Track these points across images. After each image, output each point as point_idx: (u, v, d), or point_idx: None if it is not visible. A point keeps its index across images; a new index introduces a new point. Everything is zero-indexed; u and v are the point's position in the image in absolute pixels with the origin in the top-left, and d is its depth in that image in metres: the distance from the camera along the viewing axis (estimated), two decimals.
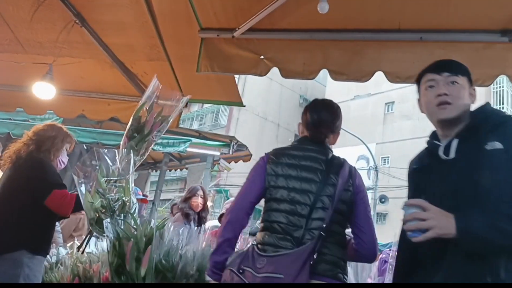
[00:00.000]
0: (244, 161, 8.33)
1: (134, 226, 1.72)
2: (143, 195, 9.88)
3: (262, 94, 27.77)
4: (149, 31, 3.34)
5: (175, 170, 9.73)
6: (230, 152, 7.24)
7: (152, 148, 6.00)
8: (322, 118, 1.99)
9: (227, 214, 1.89)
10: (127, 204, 1.90)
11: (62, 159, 2.69)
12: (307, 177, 1.78)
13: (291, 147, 1.94)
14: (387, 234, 8.60)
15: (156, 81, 2.74)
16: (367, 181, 18.65)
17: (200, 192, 4.54)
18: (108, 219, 1.73)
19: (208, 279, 1.66)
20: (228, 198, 24.30)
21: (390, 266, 2.50)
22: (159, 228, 1.72)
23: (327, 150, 1.91)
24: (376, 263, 2.81)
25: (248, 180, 1.94)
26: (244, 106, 3.91)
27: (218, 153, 7.33)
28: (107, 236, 1.71)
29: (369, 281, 2.75)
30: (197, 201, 4.46)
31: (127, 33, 3.46)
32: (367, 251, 1.89)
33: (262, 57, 3.06)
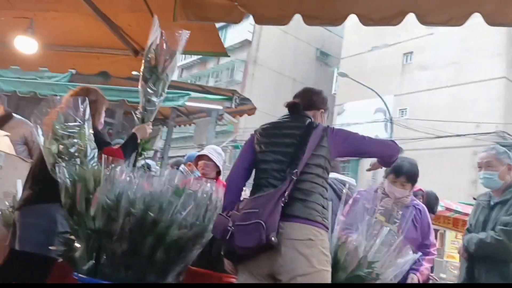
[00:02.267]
0: (248, 115, 8.34)
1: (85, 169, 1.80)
2: (154, 150, 10.04)
3: (277, 48, 27.32)
4: None
5: (184, 126, 9.83)
6: (233, 106, 7.25)
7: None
8: (298, 93, 2.44)
9: (226, 182, 2.25)
10: (83, 149, 1.98)
11: (101, 120, 2.84)
12: (287, 141, 2.11)
13: (274, 121, 2.32)
14: None
15: (157, 20, 2.83)
16: (383, 134, 18.49)
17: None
18: (62, 163, 1.81)
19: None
20: None
21: None
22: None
23: (304, 118, 2.21)
24: (350, 201, 2.85)
25: (241, 152, 2.31)
26: (229, 56, 3.91)
27: (220, 107, 7.34)
28: (60, 178, 1.80)
29: (341, 218, 2.80)
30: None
31: None
32: (383, 158, 2.27)
33: (236, 3, 3.03)
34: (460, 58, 19.19)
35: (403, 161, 3.00)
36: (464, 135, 15.96)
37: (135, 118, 2.87)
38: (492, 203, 2.90)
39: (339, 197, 3.18)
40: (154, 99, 2.81)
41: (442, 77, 19.57)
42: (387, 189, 3.01)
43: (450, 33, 19.37)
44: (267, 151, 2.14)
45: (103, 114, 2.88)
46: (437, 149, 16.73)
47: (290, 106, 2.31)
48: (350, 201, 2.79)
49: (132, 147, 2.72)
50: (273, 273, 1.90)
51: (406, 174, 2.92)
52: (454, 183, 15.65)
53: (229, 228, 1.89)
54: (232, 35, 27.25)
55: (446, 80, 19.35)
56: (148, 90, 2.77)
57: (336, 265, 2.11)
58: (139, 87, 2.81)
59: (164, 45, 2.82)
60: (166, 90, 2.91)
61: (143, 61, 2.85)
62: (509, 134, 17.78)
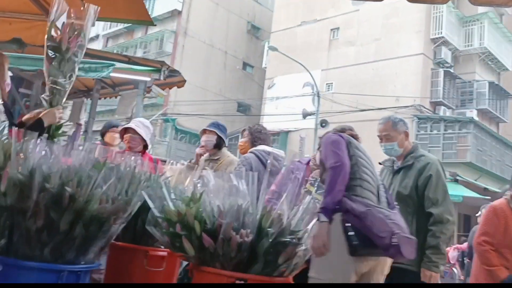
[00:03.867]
0: (178, 87, 8.14)
1: None
2: (77, 123, 9.62)
3: (208, 20, 26.82)
4: None
5: (110, 98, 9.41)
6: (162, 78, 7.03)
7: None
8: None
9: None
10: None
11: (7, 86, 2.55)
12: None
13: None
14: None
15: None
16: (311, 107, 19.01)
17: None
18: None
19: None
20: (175, 128, 24.19)
21: None
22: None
23: None
24: (282, 171, 2.93)
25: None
26: (155, 25, 3.77)
27: (148, 79, 7.09)
28: None
29: (272, 188, 2.86)
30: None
31: None
32: None
33: None
34: (383, 35, 20.04)
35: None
36: (385, 108, 16.83)
37: (43, 102, 2.61)
38: (395, 167, 3.11)
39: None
40: (61, 80, 2.54)
41: (366, 52, 20.36)
42: (318, 161, 3.12)
43: (374, 10, 20.12)
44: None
45: (7, 80, 2.63)
46: (360, 122, 17.54)
47: None
48: (283, 171, 2.87)
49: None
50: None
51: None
52: (376, 153, 16.40)
53: (394, 235, 2.01)
54: (161, 4, 26.29)
55: (370, 55, 20.17)
56: (53, 71, 2.50)
57: (260, 233, 2.17)
58: (43, 67, 2.53)
59: (68, 20, 2.52)
60: (76, 70, 2.63)
61: (45, 37, 2.53)
62: (425, 108, 19.05)
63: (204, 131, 3.97)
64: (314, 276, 2.18)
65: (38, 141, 1.76)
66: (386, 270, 2.34)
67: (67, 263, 1.81)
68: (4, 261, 1.71)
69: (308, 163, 3.28)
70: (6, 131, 1.92)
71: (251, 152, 3.47)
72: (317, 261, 2.19)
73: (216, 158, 4.03)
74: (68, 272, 1.79)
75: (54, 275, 1.76)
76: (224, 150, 4.09)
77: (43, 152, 1.73)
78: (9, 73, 6.45)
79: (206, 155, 4.13)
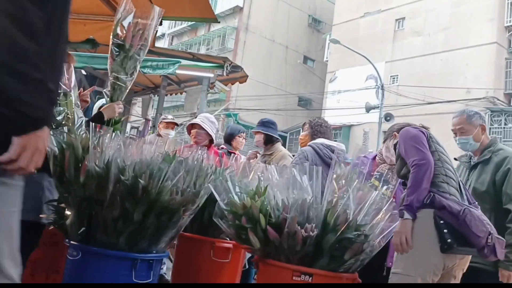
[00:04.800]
0: (240, 82, 8.27)
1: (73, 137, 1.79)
2: (146, 119, 10.01)
3: (269, 15, 26.87)
4: None
5: (175, 94, 9.74)
6: (225, 74, 7.17)
7: (142, 71, 6.00)
8: None
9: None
10: (70, 117, 1.97)
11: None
12: None
13: None
14: None
15: None
16: (375, 101, 18.50)
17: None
18: (50, 132, 1.79)
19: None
20: (237, 122, 24.50)
21: None
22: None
23: None
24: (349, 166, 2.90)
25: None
26: (219, 22, 3.84)
27: (212, 75, 7.26)
28: (47, 147, 1.79)
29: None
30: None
31: None
32: None
33: None
34: (452, 24, 19.04)
35: (398, 126, 3.05)
36: (454, 101, 16.03)
37: (104, 96, 2.73)
38: (472, 162, 2.96)
39: (324, 162, 3.22)
40: (123, 77, 2.63)
41: (433, 43, 19.45)
42: (384, 154, 3.05)
43: None
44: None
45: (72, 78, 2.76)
46: (428, 115, 16.82)
47: None
48: (356, 161, 2.84)
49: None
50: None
51: None
52: (446, 148, 15.63)
53: (490, 236, 2.04)
54: (223, 1, 26.71)
55: (438, 46, 19.25)
56: (116, 67, 2.60)
57: (325, 228, 2.15)
58: (108, 64, 2.64)
59: (134, 20, 2.64)
60: (138, 68, 2.73)
61: (111, 36, 2.66)
62: (499, 100, 17.89)
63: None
64: (401, 272, 2.15)
65: (113, 135, 1.85)
66: (466, 267, 2.27)
67: (141, 252, 1.91)
68: (83, 249, 1.84)
69: (374, 158, 3.20)
70: (84, 126, 2.05)
71: (309, 145, 3.45)
72: (404, 257, 2.16)
73: (269, 153, 4.22)
74: (141, 260, 1.88)
75: (129, 262, 1.86)
76: (277, 145, 4.28)
77: (118, 146, 1.82)
78: (83, 72, 6.83)
79: (262, 151, 4.39)
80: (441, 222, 2.10)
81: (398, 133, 2.71)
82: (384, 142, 3.13)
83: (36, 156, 1.11)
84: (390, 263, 2.55)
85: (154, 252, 2.02)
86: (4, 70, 1.02)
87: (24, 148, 1.08)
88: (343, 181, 2.34)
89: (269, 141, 4.24)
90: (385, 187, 2.82)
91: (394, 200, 2.65)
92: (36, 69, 1.07)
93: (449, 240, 2.07)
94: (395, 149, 2.53)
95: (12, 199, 1.19)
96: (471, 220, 2.04)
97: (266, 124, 4.33)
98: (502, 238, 2.20)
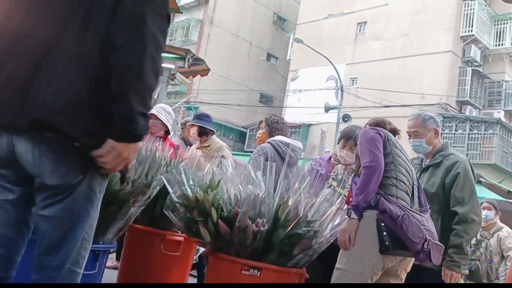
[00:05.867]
0: (202, 76, 8.22)
1: None
2: None
3: (234, 10, 26.76)
4: None
5: None
6: (186, 66, 7.10)
7: None
8: None
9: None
10: None
11: None
12: None
13: None
14: None
15: None
16: (334, 101, 18.86)
17: None
18: None
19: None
20: None
21: None
22: None
23: None
24: (306, 168, 2.95)
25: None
26: (181, 12, 3.78)
27: (173, 66, 7.17)
28: None
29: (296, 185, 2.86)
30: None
31: None
32: None
33: None
34: (411, 30, 19.64)
35: (352, 127, 3.17)
36: (409, 105, 16.56)
37: None
38: (423, 165, 3.07)
39: (283, 159, 3.26)
40: None
41: (393, 48, 20.01)
42: (338, 154, 3.12)
43: (403, 5, 19.72)
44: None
45: None
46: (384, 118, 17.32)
47: None
48: (312, 163, 2.89)
49: None
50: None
51: (354, 138, 3.04)
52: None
53: (426, 242, 2.11)
54: None
55: (397, 51, 19.82)
56: None
57: (276, 223, 2.18)
58: None
59: None
60: None
61: None
62: (451, 106, 18.67)
63: (190, 126, 4.47)
64: (342, 268, 2.22)
65: None
66: (409, 268, 2.36)
67: None
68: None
69: (330, 159, 3.27)
70: None
71: (268, 142, 3.47)
72: (346, 254, 2.23)
73: (206, 145, 4.41)
74: None
75: None
76: (213, 137, 4.49)
77: None
78: None
79: (197, 144, 4.57)
80: (382, 224, 2.19)
81: None
82: (338, 142, 3.21)
83: (119, 160, 1.39)
84: None
85: (101, 243, 1.98)
86: (136, 98, 1.35)
87: (112, 150, 1.36)
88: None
89: (203, 133, 4.41)
90: (344, 188, 2.90)
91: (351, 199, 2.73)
92: (150, 100, 1.41)
93: (386, 243, 2.16)
94: None
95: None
96: (408, 226, 2.13)
97: (200, 117, 4.55)
98: (440, 244, 2.30)
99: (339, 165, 3.11)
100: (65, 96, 1.29)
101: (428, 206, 2.48)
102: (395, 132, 2.66)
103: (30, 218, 1.44)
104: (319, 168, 2.96)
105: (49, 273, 1.35)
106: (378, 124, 2.70)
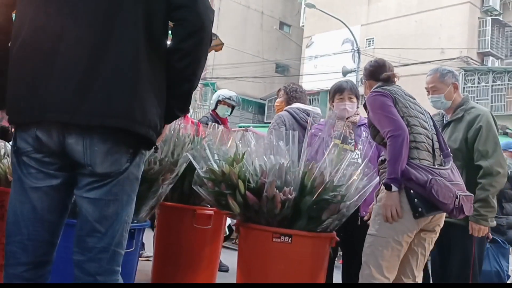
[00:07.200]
0: (216, 51, 8.15)
1: None
2: None
3: None
4: None
5: None
6: None
7: None
8: None
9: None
10: None
11: None
12: None
13: None
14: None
15: None
16: (351, 65, 18.55)
17: None
18: None
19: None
20: (215, 91, 24.30)
21: None
22: None
23: None
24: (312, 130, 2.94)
25: None
26: None
27: None
28: None
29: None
30: None
31: None
32: None
33: None
34: None
35: (341, 80, 3.27)
36: (429, 61, 16.16)
37: None
38: (445, 121, 3.02)
39: (301, 126, 3.26)
40: None
41: (408, 4, 19.41)
42: (336, 110, 3.08)
43: None
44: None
45: None
46: (403, 77, 16.95)
47: None
48: (312, 130, 2.87)
49: None
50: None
51: (349, 87, 3.07)
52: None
53: (457, 198, 2.13)
54: None
55: (412, 7, 19.23)
56: None
57: (303, 190, 2.21)
58: None
59: None
60: None
61: None
62: (472, 59, 18.15)
63: None
64: (375, 234, 2.22)
65: None
66: (442, 223, 2.36)
67: None
68: None
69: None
70: None
71: (285, 110, 3.47)
72: (379, 220, 2.21)
73: None
74: None
75: None
76: None
77: None
78: None
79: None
80: (411, 191, 2.17)
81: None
82: (332, 100, 3.18)
83: (162, 137, 1.66)
84: (364, 213, 2.62)
85: (135, 221, 2.05)
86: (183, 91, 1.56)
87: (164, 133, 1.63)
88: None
89: None
90: (349, 144, 2.90)
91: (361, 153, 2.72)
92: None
93: (420, 209, 2.15)
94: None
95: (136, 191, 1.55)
96: (438, 190, 2.10)
97: None
98: (469, 194, 2.27)
99: (339, 122, 3.08)
100: (141, 105, 1.40)
101: (450, 150, 2.44)
102: (394, 78, 2.60)
103: (69, 201, 1.49)
104: (321, 131, 2.92)
105: (96, 255, 1.39)
106: (376, 71, 2.63)
